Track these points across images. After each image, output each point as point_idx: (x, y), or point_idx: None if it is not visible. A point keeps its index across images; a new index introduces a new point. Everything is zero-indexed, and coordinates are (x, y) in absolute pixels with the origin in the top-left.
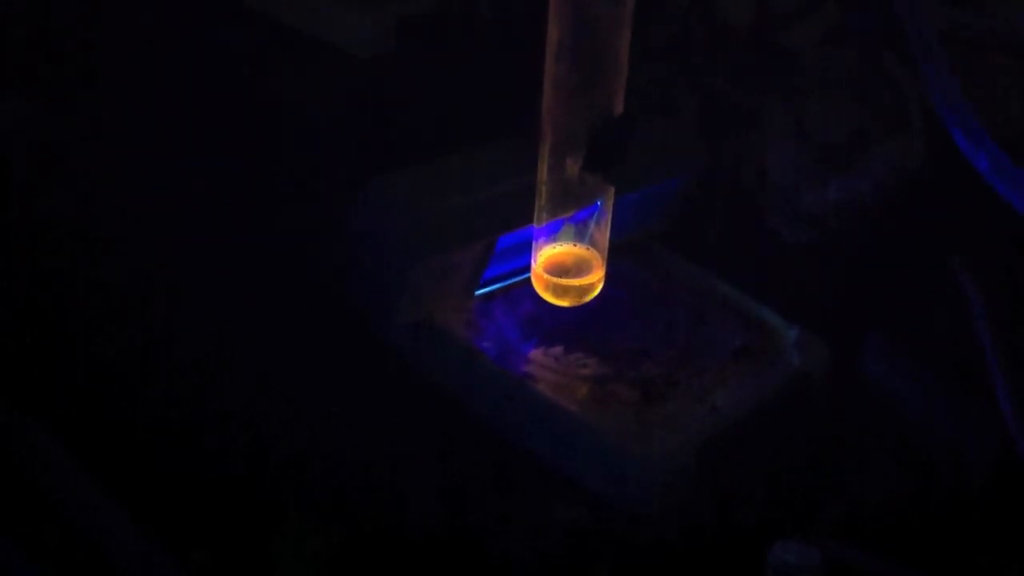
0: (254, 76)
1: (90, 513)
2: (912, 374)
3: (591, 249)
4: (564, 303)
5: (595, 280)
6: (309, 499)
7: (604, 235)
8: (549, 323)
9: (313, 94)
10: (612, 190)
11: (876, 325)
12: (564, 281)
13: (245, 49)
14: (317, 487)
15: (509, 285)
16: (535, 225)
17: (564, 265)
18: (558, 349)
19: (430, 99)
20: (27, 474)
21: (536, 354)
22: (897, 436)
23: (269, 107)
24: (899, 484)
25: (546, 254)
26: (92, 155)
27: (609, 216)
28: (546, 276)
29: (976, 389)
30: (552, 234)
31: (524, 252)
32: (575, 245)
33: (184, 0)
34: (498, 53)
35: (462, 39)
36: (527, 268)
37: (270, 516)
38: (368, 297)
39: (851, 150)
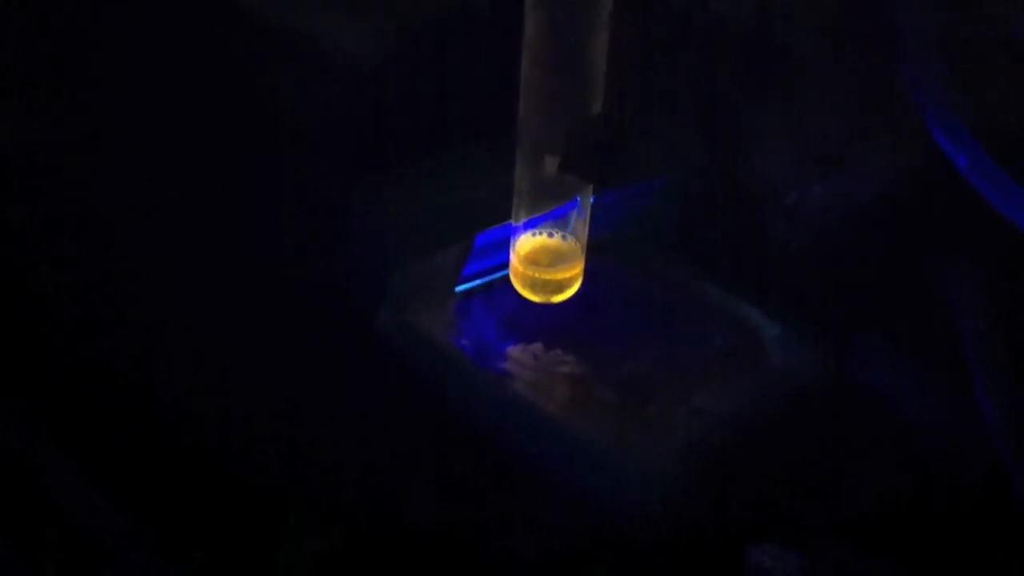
0: (251, 78)
1: (90, 513)
2: (908, 373)
3: (570, 240)
4: (541, 298)
5: (573, 274)
6: (309, 499)
7: (583, 231)
8: (530, 321)
9: (308, 97)
10: (591, 188)
11: (872, 325)
12: (541, 274)
13: (243, 51)
14: (317, 487)
15: (490, 282)
16: (512, 222)
17: (541, 261)
18: (537, 346)
19: (425, 102)
20: (27, 475)
21: (514, 351)
22: (893, 436)
23: (266, 109)
24: (895, 484)
25: (523, 249)
26: (91, 155)
27: (588, 213)
28: (523, 269)
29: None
30: (529, 231)
31: (504, 249)
32: (554, 238)
33: (183, 2)
34: (495, 56)
35: (460, 43)
36: (507, 265)
37: (270, 516)
38: (357, 297)
39: (848, 149)
